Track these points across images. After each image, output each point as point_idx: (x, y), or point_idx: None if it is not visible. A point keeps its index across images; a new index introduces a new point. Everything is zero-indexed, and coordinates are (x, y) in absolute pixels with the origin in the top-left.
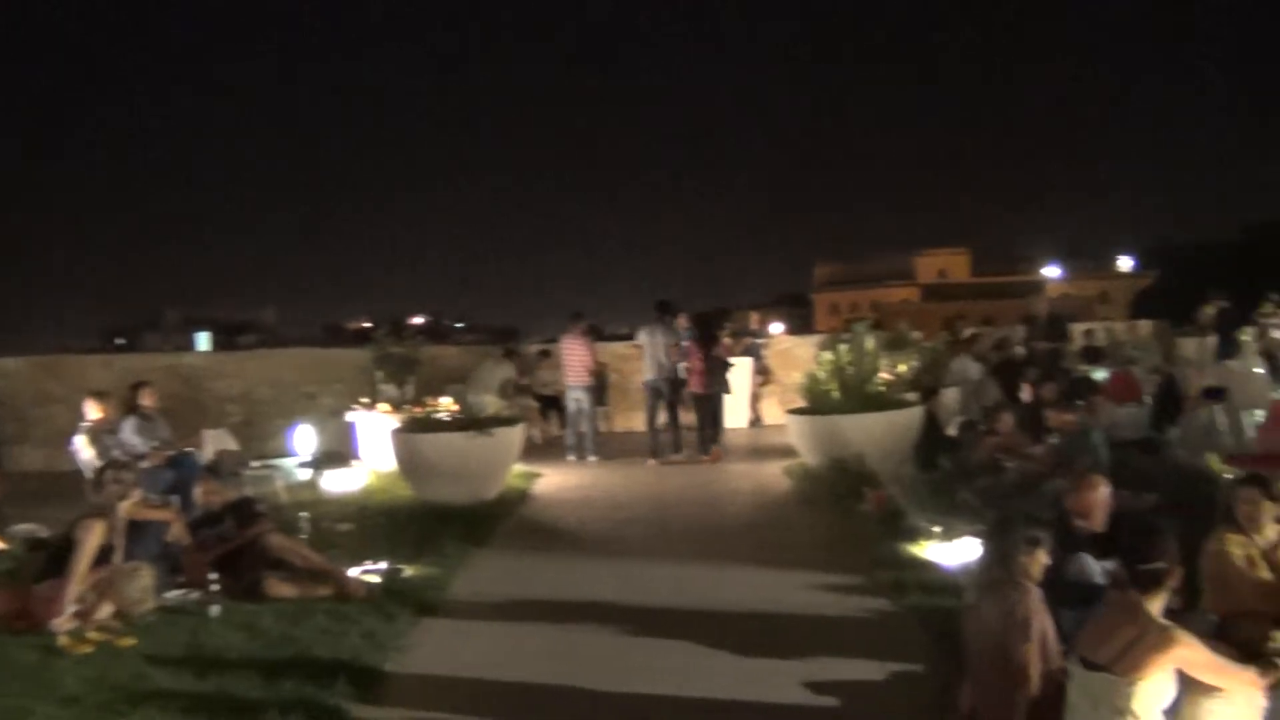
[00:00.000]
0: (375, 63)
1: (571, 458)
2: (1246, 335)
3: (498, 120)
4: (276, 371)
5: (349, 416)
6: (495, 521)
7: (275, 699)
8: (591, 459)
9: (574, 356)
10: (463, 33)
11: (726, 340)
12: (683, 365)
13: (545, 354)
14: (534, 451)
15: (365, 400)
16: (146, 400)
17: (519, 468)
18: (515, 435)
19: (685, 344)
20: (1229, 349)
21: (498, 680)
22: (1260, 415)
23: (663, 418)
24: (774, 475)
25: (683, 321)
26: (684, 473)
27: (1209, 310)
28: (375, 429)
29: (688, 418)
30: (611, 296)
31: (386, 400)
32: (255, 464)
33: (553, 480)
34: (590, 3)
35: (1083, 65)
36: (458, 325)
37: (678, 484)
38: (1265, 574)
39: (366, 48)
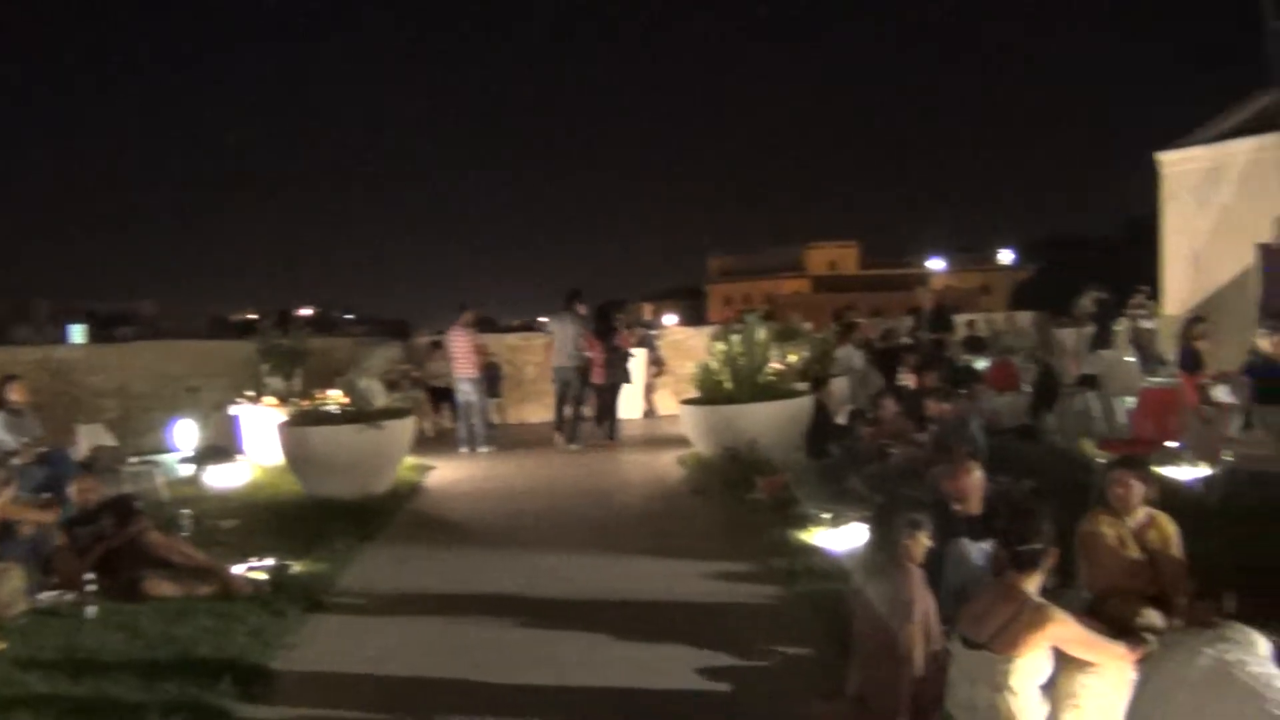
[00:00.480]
0: (256, 50)
1: (464, 450)
2: (1120, 326)
3: (392, 113)
4: (156, 364)
5: (233, 410)
6: (386, 515)
7: (157, 701)
8: (483, 450)
9: (459, 348)
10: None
11: (623, 331)
12: (585, 354)
13: (437, 345)
14: (426, 444)
15: (250, 394)
16: (15, 395)
17: (410, 460)
18: (405, 428)
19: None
20: (1106, 339)
21: (388, 675)
22: (1131, 402)
23: (569, 408)
24: (668, 465)
25: (582, 310)
26: (579, 462)
27: (1085, 302)
28: (261, 423)
29: (586, 409)
30: (506, 288)
31: (273, 393)
32: (133, 460)
33: (444, 473)
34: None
35: (968, 63)
36: (347, 316)
37: (572, 474)
38: (1135, 553)
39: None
